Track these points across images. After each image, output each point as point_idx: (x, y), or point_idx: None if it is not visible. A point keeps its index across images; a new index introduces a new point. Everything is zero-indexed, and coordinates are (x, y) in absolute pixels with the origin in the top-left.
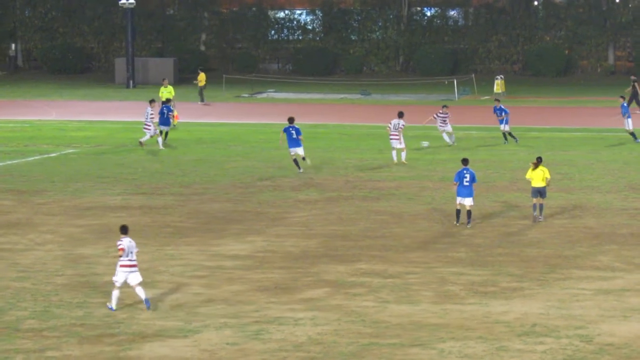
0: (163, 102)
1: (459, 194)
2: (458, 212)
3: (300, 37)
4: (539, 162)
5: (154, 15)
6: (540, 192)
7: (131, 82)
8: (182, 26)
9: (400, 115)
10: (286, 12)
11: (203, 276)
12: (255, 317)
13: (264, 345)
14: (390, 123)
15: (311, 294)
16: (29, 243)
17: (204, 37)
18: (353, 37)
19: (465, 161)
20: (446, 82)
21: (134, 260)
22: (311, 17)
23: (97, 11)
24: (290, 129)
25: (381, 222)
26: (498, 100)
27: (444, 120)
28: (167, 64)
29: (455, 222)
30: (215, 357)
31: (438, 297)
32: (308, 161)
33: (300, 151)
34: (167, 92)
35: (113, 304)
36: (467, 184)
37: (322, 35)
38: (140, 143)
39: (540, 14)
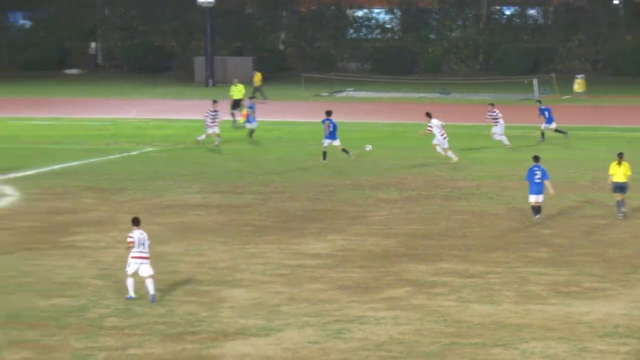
0: (233, 102)
1: (531, 192)
2: (533, 208)
3: (379, 36)
4: (620, 157)
5: (233, 14)
6: (621, 188)
7: (210, 80)
8: (261, 25)
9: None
10: (365, 10)
11: (284, 275)
12: (336, 316)
13: (346, 344)
14: (432, 124)
15: (392, 293)
16: (110, 241)
17: (282, 36)
18: (432, 36)
19: (536, 158)
20: (525, 82)
21: (145, 252)
22: (390, 15)
23: (176, 10)
24: (327, 121)
25: (462, 222)
26: (539, 102)
27: (495, 119)
28: (245, 63)
29: (535, 218)
30: (297, 356)
31: (520, 297)
32: (352, 156)
33: (336, 143)
34: (237, 91)
35: (130, 292)
36: (539, 181)
37: (401, 34)
38: (197, 141)
39: (620, 12)
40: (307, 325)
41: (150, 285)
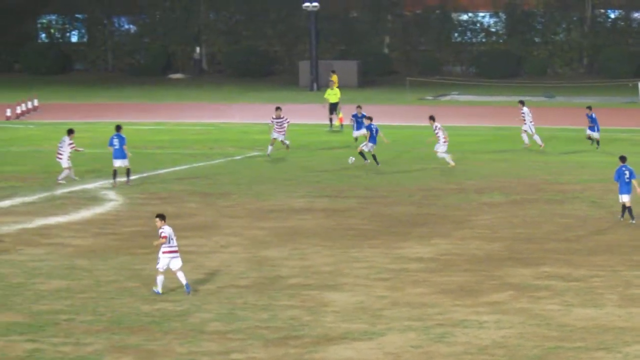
0: (330, 105)
1: (620, 192)
2: (623, 207)
3: (484, 40)
4: None
5: (337, 18)
6: None
7: (315, 84)
8: (365, 29)
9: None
10: (469, 14)
11: (387, 279)
12: (439, 319)
13: (449, 348)
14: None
15: (496, 297)
16: (214, 245)
17: (387, 39)
18: (536, 39)
19: (623, 159)
20: (630, 85)
21: (175, 247)
22: (494, 19)
23: (280, 14)
24: (372, 126)
25: (565, 226)
26: (590, 108)
27: (524, 119)
28: (350, 67)
29: (619, 217)
30: None
31: (623, 300)
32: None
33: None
34: (333, 94)
35: (159, 288)
36: (628, 180)
37: (506, 37)
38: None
39: None
40: (409, 329)
41: (182, 277)
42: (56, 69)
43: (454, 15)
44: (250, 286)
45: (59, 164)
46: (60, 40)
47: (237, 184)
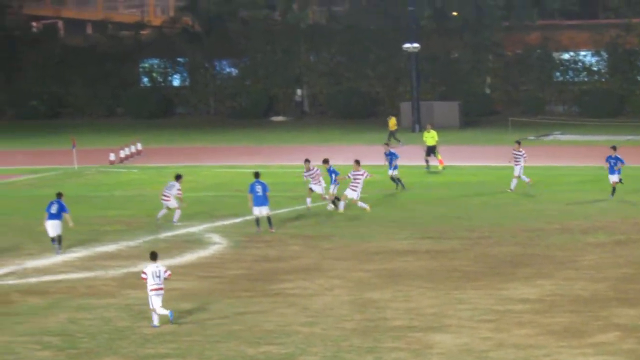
0: (427, 148)
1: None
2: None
3: (586, 79)
4: None
5: (438, 59)
6: None
7: (417, 126)
8: (466, 69)
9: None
10: (571, 53)
11: (492, 320)
12: None
13: None
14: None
15: (602, 337)
16: (317, 288)
17: (488, 79)
18: (639, 78)
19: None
20: None
21: (160, 284)
22: (596, 58)
23: (381, 56)
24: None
25: None
26: (614, 148)
27: (516, 159)
28: (451, 108)
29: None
30: None
31: None
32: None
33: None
34: (430, 137)
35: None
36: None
37: (608, 76)
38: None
39: None
40: None
41: (162, 311)
42: (158, 113)
43: (555, 54)
44: (355, 329)
45: (162, 205)
46: (162, 84)
47: (340, 226)
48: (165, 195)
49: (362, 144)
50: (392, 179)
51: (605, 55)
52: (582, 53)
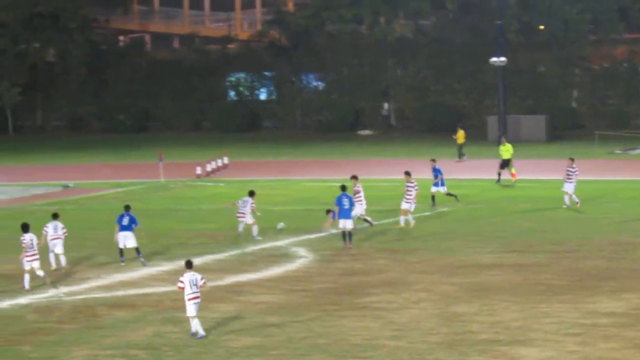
0: (502, 161)
1: None
2: None
3: None
4: None
5: (525, 73)
6: None
7: (503, 139)
8: (553, 83)
9: None
10: None
11: (578, 334)
12: None
13: None
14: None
15: None
16: (403, 302)
17: (575, 93)
18: None
19: None
20: None
21: (197, 292)
22: None
23: (468, 69)
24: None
25: None
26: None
27: (569, 176)
28: (538, 122)
29: None
30: None
31: None
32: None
33: (443, 190)
34: (505, 150)
35: (200, 331)
36: None
37: None
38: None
39: None
40: None
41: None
42: (245, 127)
43: None
44: (440, 342)
45: (239, 222)
46: (249, 98)
47: (426, 240)
48: (240, 213)
49: (448, 158)
50: (448, 194)
51: None
52: None
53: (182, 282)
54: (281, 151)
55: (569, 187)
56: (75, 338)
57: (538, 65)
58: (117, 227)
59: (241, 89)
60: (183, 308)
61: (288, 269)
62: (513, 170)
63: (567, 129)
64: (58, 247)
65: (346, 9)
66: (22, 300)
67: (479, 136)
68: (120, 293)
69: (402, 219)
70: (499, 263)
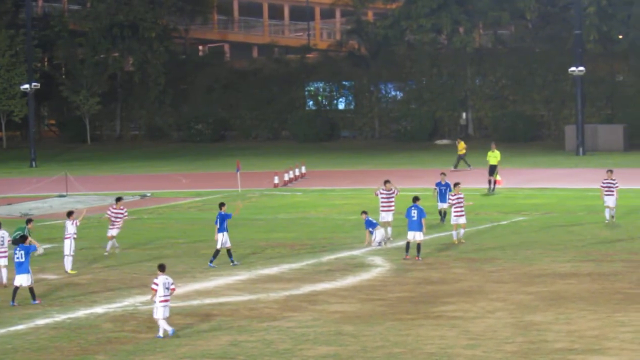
0: (490, 166)
1: None
2: None
3: None
4: None
5: (603, 82)
6: None
7: (581, 149)
8: (632, 92)
9: None
10: None
11: None
12: None
13: None
14: None
15: None
16: (479, 311)
17: None
18: None
19: None
20: None
21: (168, 296)
22: None
23: (546, 79)
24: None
25: None
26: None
27: (609, 189)
28: (616, 131)
29: None
30: None
31: None
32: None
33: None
34: (493, 157)
35: (164, 332)
36: None
37: None
38: None
39: None
40: None
41: (165, 324)
42: (323, 136)
43: None
44: (516, 351)
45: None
46: (327, 108)
47: (503, 249)
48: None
49: (525, 167)
50: (440, 212)
51: None
52: None
53: (156, 284)
54: (359, 161)
55: (610, 201)
56: (151, 347)
57: (616, 74)
58: (216, 227)
59: (320, 98)
60: (258, 317)
61: (364, 278)
62: (498, 177)
63: None
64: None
65: (426, 19)
66: (99, 309)
67: (557, 146)
68: (196, 302)
69: (454, 233)
70: (575, 272)
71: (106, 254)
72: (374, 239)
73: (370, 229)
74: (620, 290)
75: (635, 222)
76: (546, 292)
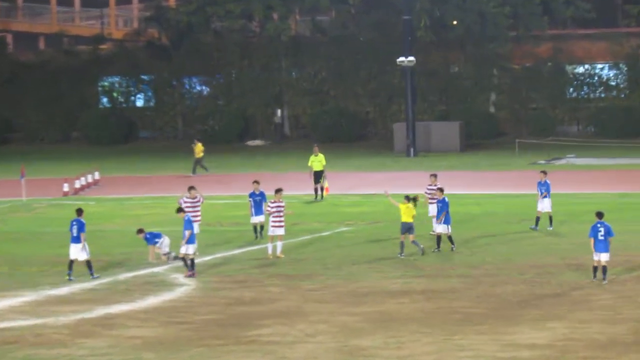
0: (314, 172)
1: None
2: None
3: (603, 95)
4: None
5: (436, 74)
6: None
7: (412, 149)
8: (468, 85)
9: None
10: (586, 66)
11: None
12: None
13: None
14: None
15: None
16: (298, 334)
17: (493, 97)
18: None
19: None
20: None
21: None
22: (614, 71)
23: (372, 71)
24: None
25: None
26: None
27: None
28: (452, 129)
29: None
30: None
31: None
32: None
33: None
34: (317, 161)
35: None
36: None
37: (628, 92)
38: None
39: None
40: None
41: None
42: (119, 138)
43: (568, 68)
44: None
45: None
46: (124, 105)
47: (325, 264)
48: None
49: (350, 170)
50: (255, 227)
51: (624, 68)
52: (599, 66)
53: None
54: (160, 165)
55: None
56: None
57: (451, 65)
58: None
59: (115, 94)
60: (47, 344)
61: (167, 298)
62: (326, 184)
63: (484, 137)
64: None
65: (234, 4)
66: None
67: (385, 147)
68: None
69: (269, 246)
70: (407, 289)
71: None
72: (164, 252)
73: (157, 240)
74: (458, 310)
75: (474, 232)
76: (374, 312)
